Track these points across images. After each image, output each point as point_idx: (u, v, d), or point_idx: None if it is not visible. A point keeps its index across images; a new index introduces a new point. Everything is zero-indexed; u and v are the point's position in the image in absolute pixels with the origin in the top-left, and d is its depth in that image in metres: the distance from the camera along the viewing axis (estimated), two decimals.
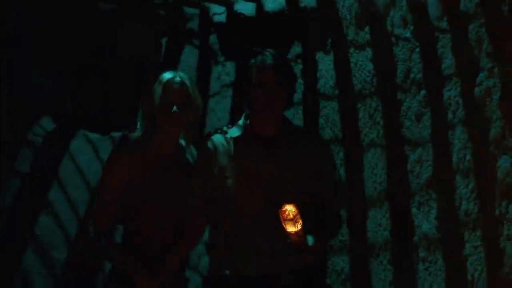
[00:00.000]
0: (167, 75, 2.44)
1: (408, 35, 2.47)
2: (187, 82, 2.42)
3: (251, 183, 2.30)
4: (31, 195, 4.04)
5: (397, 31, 2.54)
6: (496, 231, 1.80)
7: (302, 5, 3.24)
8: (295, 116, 3.33)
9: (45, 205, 4.07)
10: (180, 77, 2.43)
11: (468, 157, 2.03)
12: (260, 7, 3.58)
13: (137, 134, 2.43)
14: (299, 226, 2.09)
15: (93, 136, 4.24)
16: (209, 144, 2.37)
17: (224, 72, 3.97)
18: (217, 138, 2.38)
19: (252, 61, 2.34)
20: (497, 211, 1.80)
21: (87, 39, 4.22)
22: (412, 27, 2.43)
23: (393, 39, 2.57)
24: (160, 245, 2.37)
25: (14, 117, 4.00)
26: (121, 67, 4.32)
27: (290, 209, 2.09)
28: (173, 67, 4.27)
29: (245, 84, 2.34)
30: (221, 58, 3.99)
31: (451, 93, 2.16)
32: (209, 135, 2.41)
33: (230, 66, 3.93)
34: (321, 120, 3.16)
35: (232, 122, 2.48)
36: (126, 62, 4.31)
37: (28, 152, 4.10)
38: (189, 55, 4.25)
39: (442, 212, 2.25)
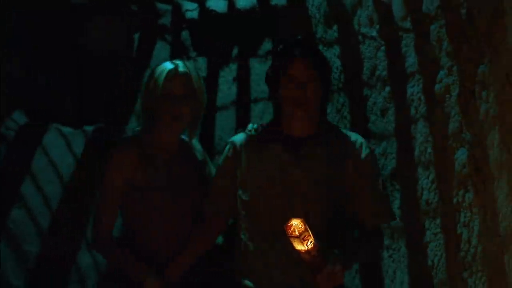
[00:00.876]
0: (170, 65, 2.25)
1: (374, 34, 2.57)
2: (192, 73, 2.23)
3: (274, 189, 2.04)
4: (3, 188, 4.05)
5: (363, 30, 2.65)
6: (454, 219, 1.93)
7: (272, 3, 3.33)
8: (266, 111, 3.43)
9: (18, 199, 4.08)
10: (185, 67, 2.24)
11: (429, 150, 2.15)
12: (231, 4, 3.67)
13: (135, 129, 2.28)
14: (309, 244, 1.84)
15: (66, 130, 4.25)
16: (234, 145, 2.14)
17: (196, 67, 4.04)
18: (243, 138, 2.15)
19: (278, 51, 2.06)
20: (454, 200, 1.93)
21: (62, 34, 4.23)
22: (378, 26, 2.54)
23: (360, 37, 2.67)
24: (168, 245, 2.21)
25: None
26: (92, 60, 4.33)
27: (295, 224, 1.85)
28: (146, 62, 4.33)
29: (272, 78, 2.06)
30: (193, 54, 4.05)
31: (413, 89, 2.27)
32: (237, 135, 2.18)
33: (202, 62, 4.00)
34: None
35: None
36: (97, 56, 4.32)
37: (0, 146, 4.11)
38: (161, 51, 4.30)
39: (405, 202, 2.37)
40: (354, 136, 2.14)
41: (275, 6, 3.30)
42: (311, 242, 1.85)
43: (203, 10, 3.89)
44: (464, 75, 1.88)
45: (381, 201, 2.10)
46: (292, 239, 1.86)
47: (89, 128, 4.26)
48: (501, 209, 1.61)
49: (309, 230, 1.85)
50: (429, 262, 2.12)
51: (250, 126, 2.20)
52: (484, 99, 1.75)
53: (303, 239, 1.85)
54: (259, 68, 3.51)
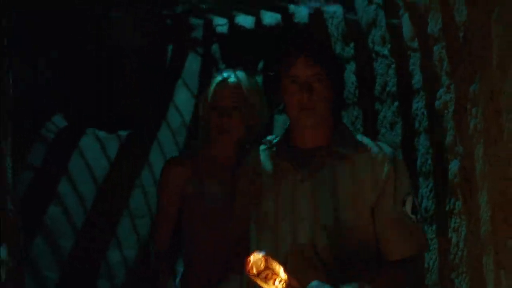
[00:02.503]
0: (221, 75, 2.15)
1: (386, 52, 2.73)
2: (243, 83, 2.11)
3: (285, 211, 1.75)
4: (42, 187, 4.33)
5: (377, 48, 2.81)
6: (446, 224, 2.08)
7: (295, 21, 3.53)
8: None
9: (55, 197, 4.36)
10: (235, 76, 2.12)
11: (429, 161, 2.31)
12: (258, 21, 3.89)
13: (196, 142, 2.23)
14: (278, 284, 1.49)
15: (101, 134, 4.52)
16: (249, 161, 1.89)
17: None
18: (259, 152, 1.88)
19: (282, 50, 1.78)
20: (447, 208, 2.08)
21: (88, 38, 4.36)
22: (389, 45, 2.71)
23: (373, 55, 2.85)
24: (217, 257, 2.07)
25: (24, 114, 4.20)
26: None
27: (254, 261, 1.49)
28: (178, 72, 4.58)
29: (274, 81, 1.79)
30: (222, 66, 4.28)
31: (418, 105, 2.43)
32: (253, 148, 1.94)
33: None
34: None
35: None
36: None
37: (41, 147, 4.39)
38: (193, 62, 4.54)
39: None
40: (377, 148, 1.83)
41: (297, 23, 3.50)
42: (280, 281, 1.49)
43: (232, 25, 4.12)
44: (459, 93, 2.03)
45: (405, 229, 1.77)
46: (252, 278, 1.49)
47: (123, 133, 4.53)
48: (482, 215, 1.77)
49: (275, 267, 1.49)
50: (426, 265, 2.27)
51: (271, 138, 1.99)
52: (473, 115, 1.90)
53: (265, 278, 1.49)
54: None
